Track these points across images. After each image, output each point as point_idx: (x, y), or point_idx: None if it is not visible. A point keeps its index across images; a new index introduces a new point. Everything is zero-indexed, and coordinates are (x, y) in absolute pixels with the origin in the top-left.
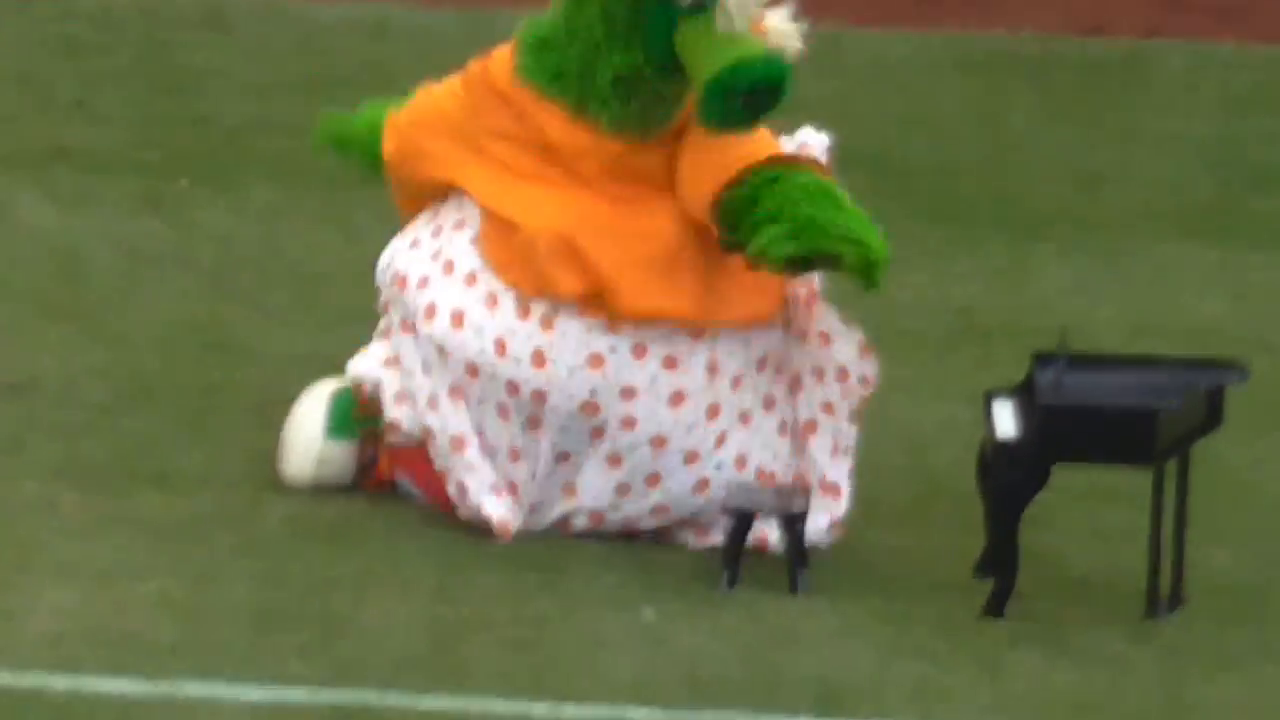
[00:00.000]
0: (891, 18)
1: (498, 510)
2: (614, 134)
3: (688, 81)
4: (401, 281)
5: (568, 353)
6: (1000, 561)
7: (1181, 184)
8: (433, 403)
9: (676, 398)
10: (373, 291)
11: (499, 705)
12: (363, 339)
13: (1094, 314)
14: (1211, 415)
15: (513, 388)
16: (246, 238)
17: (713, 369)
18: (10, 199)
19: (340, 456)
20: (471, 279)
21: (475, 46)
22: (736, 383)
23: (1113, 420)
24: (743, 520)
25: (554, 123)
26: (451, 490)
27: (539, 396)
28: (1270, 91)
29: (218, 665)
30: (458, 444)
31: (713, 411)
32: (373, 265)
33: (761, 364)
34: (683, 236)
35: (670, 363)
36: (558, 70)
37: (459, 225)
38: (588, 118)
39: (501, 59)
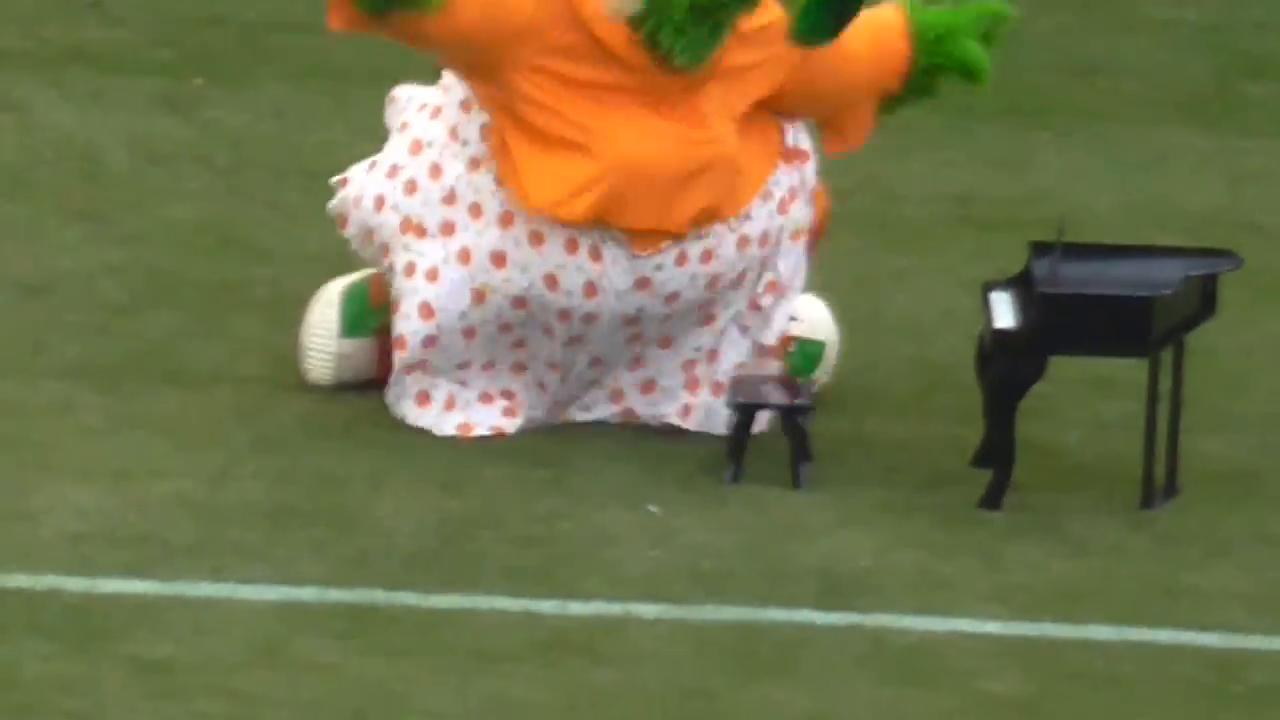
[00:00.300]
0: None
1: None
2: (682, 64)
3: (750, 11)
4: (415, 228)
5: (618, 279)
6: (998, 453)
7: (1177, 71)
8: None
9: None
10: None
11: (506, 603)
12: None
13: (1090, 202)
14: (1206, 304)
15: (564, 315)
16: (260, 136)
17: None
18: (28, 99)
19: (359, 353)
20: (507, 219)
21: None
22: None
23: (1109, 309)
24: (747, 414)
25: (622, 42)
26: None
27: (590, 319)
28: None
29: (231, 565)
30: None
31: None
32: None
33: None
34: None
35: (706, 257)
36: None
37: (474, 165)
38: (658, 46)
39: None
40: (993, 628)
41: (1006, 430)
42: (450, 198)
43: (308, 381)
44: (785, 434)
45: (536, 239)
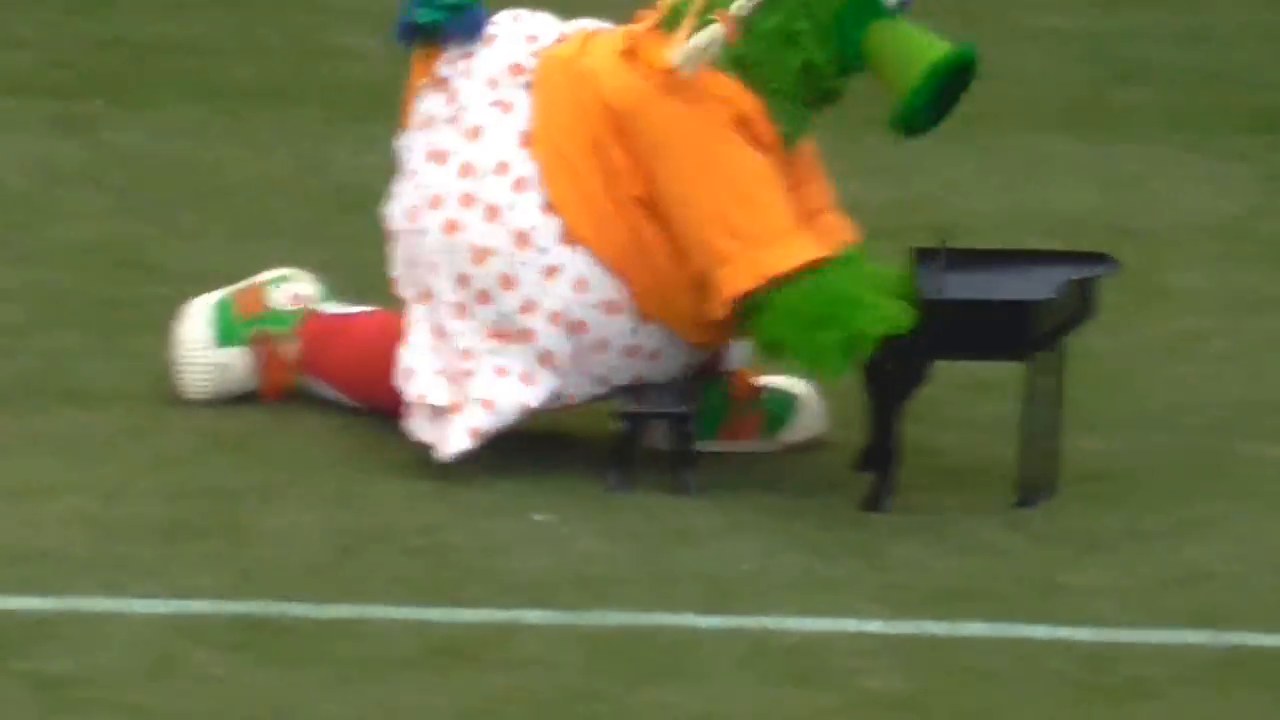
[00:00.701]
0: None
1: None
2: (782, 130)
3: (847, 83)
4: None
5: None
6: (881, 456)
7: (1052, 78)
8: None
9: None
10: (281, 204)
11: (396, 612)
12: (270, 253)
13: (970, 208)
14: (1083, 306)
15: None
16: (158, 156)
17: None
18: None
19: (235, 362)
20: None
21: None
22: None
23: (988, 314)
24: (633, 420)
25: (745, 97)
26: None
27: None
28: None
29: (127, 579)
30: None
31: None
32: (279, 181)
33: None
34: None
35: None
36: (735, 58)
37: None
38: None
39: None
40: (874, 627)
41: (889, 434)
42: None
43: (187, 397)
44: (670, 440)
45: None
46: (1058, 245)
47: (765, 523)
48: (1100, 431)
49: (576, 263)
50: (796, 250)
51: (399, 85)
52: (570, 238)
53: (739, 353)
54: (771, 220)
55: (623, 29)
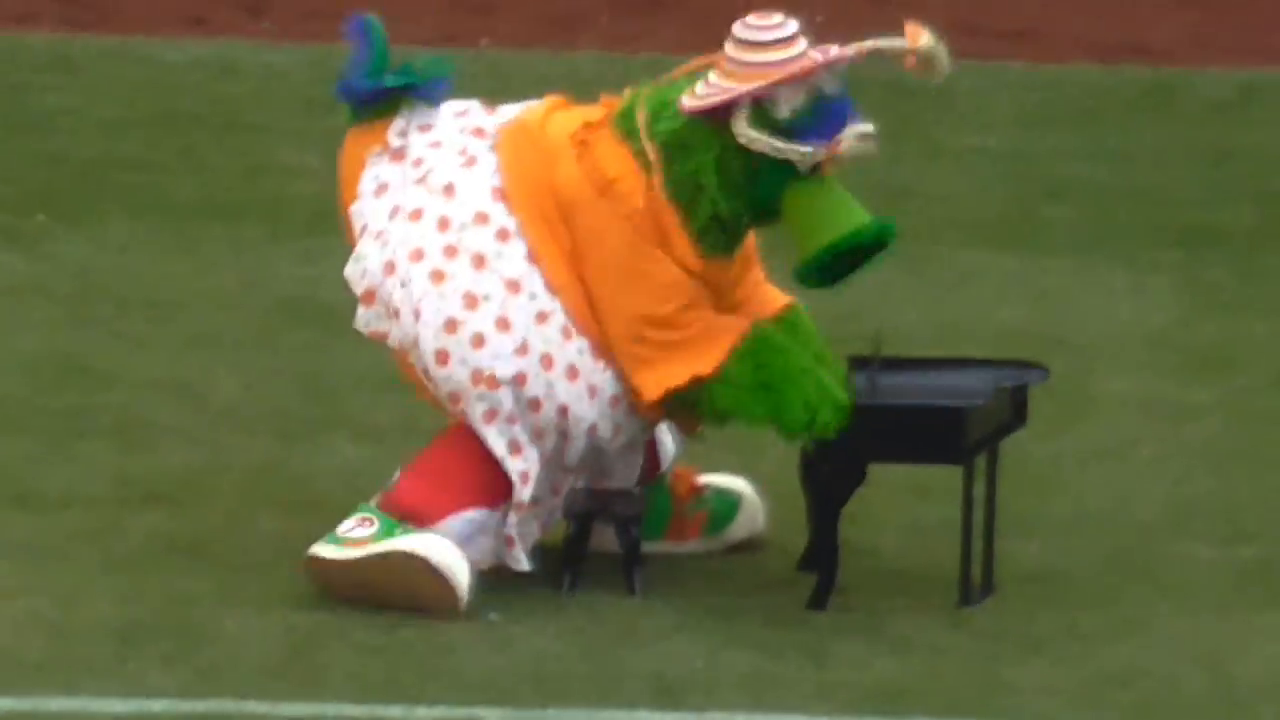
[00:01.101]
0: (706, 49)
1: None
2: (704, 252)
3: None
4: (487, 379)
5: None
6: (823, 556)
7: (980, 196)
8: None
9: None
10: (227, 316)
11: (353, 709)
12: (217, 364)
13: (904, 319)
14: (1016, 414)
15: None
16: (103, 269)
17: None
18: None
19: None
20: (573, 372)
21: (316, 82)
22: None
23: (924, 419)
24: (583, 523)
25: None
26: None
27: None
28: (1058, 108)
29: (84, 680)
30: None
31: None
32: (224, 294)
33: None
34: None
35: None
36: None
37: (542, 318)
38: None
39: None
40: None
41: (830, 535)
42: (523, 349)
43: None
44: (618, 541)
45: (614, 401)
46: (990, 355)
47: (711, 622)
48: (1036, 534)
49: (558, 311)
50: (701, 360)
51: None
52: (551, 287)
53: (676, 450)
54: (679, 333)
55: (583, 112)
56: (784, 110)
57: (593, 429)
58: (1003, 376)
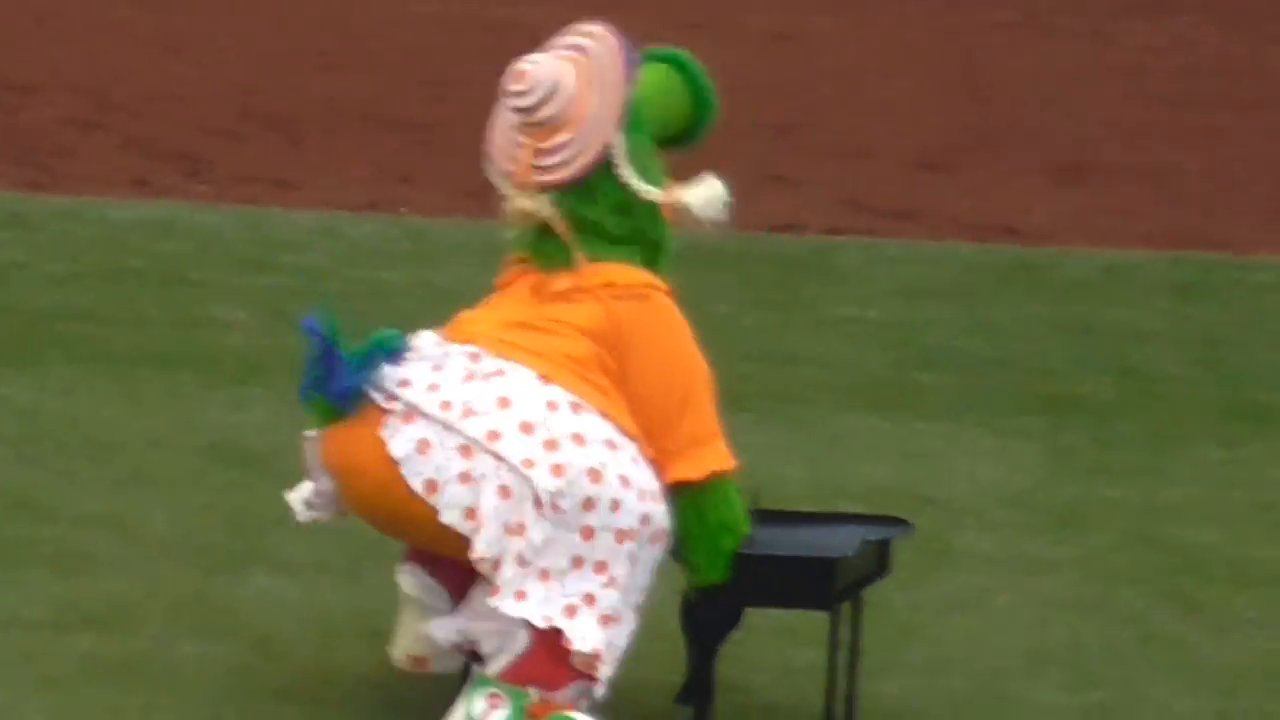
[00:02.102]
0: None
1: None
2: None
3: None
4: (589, 505)
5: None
6: (699, 692)
7: (859, 362)
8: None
9: None
10: (160, 457)
11: None
12: (151, 501)
13: (783, 475)
14: (881, 564)
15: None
16: (47, 411)
17: None
18: None
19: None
20: (612, 445)
21: (252, 243)
22: None
23: (796, 569)
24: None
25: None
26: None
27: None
28: (935, 282)
29: None
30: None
31: None
32: (159, 436)
33: None
34: None
35: None
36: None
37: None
38: None
39: None
40: None
41: (706, 672)
42: (643, 495)
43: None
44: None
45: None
46: (859, 510)
47: None
48: (897, 677)
49: (629, 445)
50: (723, 454)
51: (267, 351)
52: (624, 433)
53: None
54: (715, 419)
55: (521, 290)
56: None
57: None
58: (869, 531)
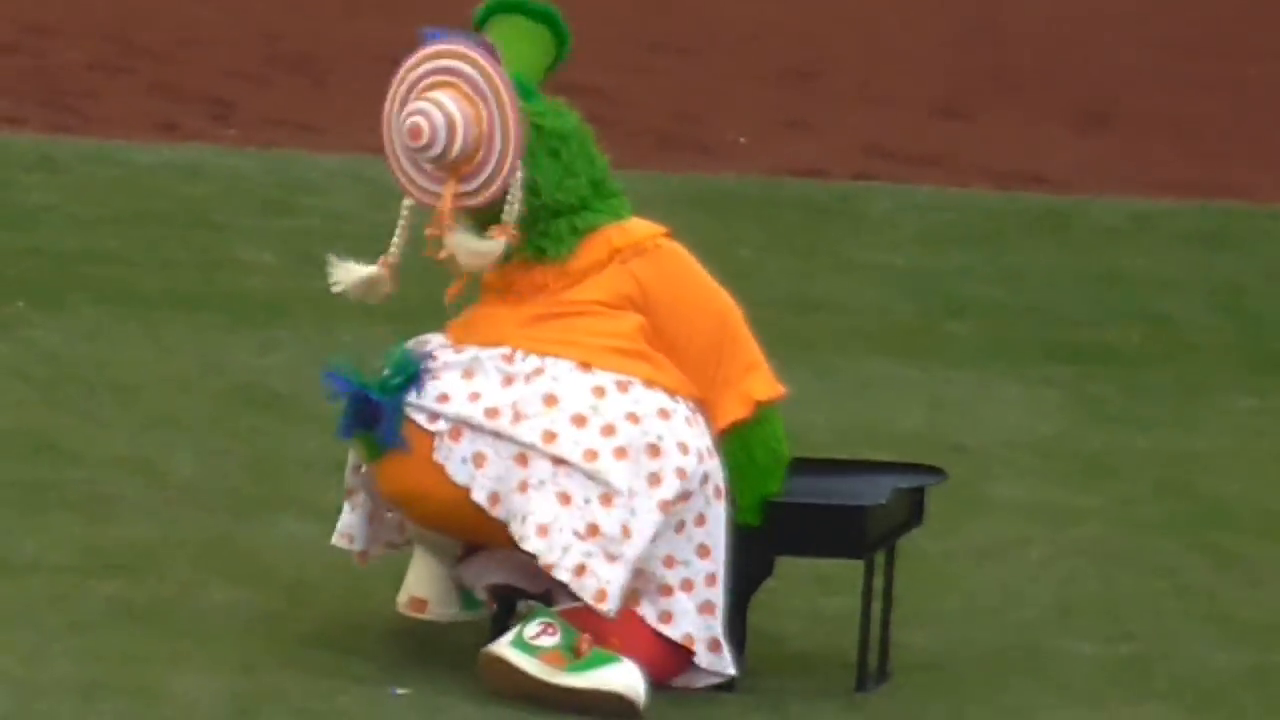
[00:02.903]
0: (638, 162)
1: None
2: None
3: None
4: (655, 480)
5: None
6: (732, 640)
7: (886, 309)
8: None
9: None
10: (186, 400)
11: None
12: (177, 444)
13: (810, 422)
14: (914, 513)
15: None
16: (74, 354)
17: None
18: None
19: None
20: (665, 414)
21: (277, 186)
22: None
23: (829, 517)
24: (505, 602)
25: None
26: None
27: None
28: (961, 229)
29: None
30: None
31: None
32: (185, 379)
33: None
34: None
35: None
36: None
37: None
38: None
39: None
40: None
41: (739, 621)
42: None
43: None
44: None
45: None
46: (890, 459)
47: None
48: (929, 626)
49: (681, 404)
50: (766, 383)
51: (292, 294)
52: (675, 395)
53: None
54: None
55: (510, 296)
56: None
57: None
58: (902, 479)
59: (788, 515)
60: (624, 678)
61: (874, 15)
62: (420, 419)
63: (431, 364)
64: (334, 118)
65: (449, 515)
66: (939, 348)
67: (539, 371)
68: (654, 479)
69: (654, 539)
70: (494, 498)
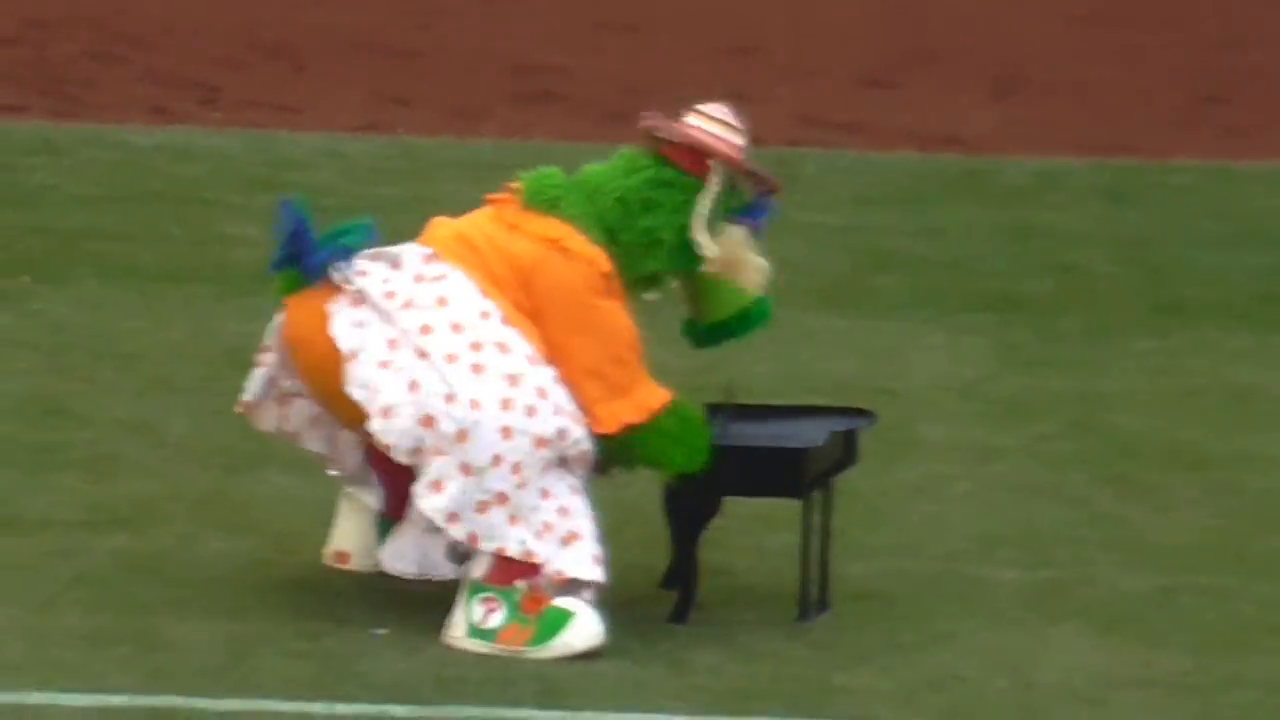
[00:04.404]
0: (589, 134)
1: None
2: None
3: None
4: (506, 405)
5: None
6: (683, 576)
7: (819, 265)
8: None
9: None
10: (180, 365)
11: (282, 705)
12: (173, 406)
13: (754, 371)
14: (848, 453)
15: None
16: (78, 324)
17: None
18: None
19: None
20: (533, 360)
21: (261, 164)
22: None
23: (770, 459)
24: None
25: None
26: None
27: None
28: (886, 190)
29: (55, 677)
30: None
31: None
32: (179, 345)
33: None
34: None
35: None
36: (606, 230)
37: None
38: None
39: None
40: None
41: (689, 558)
42: (559, 409)
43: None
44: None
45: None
46: (827, 403)
47: None
48: (865, 559)
49: (551, 371)
50: (652, 396)
51: None
52: (545, 358)
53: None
54: (629, 374)
55: (486, 212)
56: (746, 193)
57: (596, 465)
58: (837, 422)
59: (731, 457)
60: (583, 636)
61: None
62: (336, 276)
63: (371, 245)
64: (311, 98)
65: (322, 369)
66: (868, 300)
67: (443, 277)
68: (505, 404)
69: (500, 462)
70: (353, 355)
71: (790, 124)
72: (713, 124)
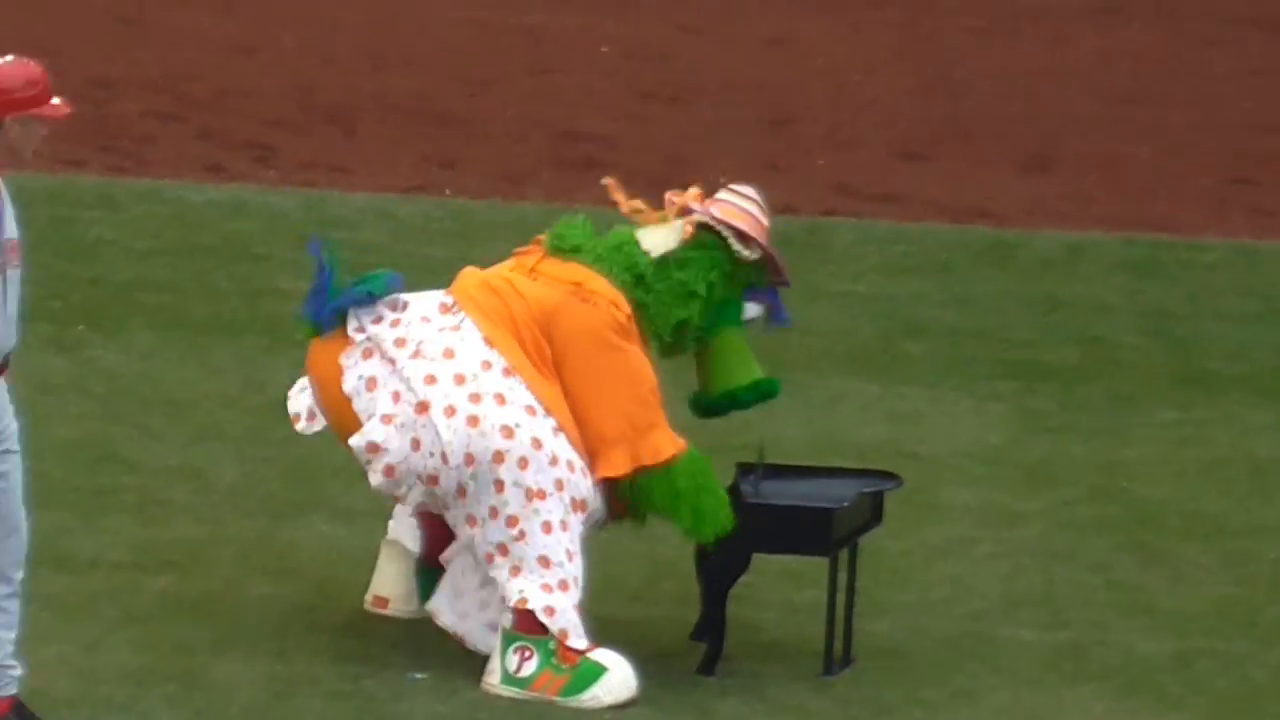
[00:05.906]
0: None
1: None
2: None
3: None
4: (499, 458)
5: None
6: (711, 630)
7: (849, 332)
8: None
9: None
10: (229, 415)
11: None
12: (221, 454)
13: (784, 433)
14: (875, 515)
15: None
16: (130, 372)
17: None
18: None
19: None
20: (531, 411)
21: (311, 222)
22: None
23: (799, 518)
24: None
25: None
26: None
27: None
28: (917, 260)
29: (103, 714)
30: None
31: None
32: (229, 395)
33: None
34: None
35: None
36: (636, 279)
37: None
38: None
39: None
40: None
41: (718, 612)
42: (554, 460)
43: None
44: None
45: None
46: (855, 465)
47: None
48: (888, 617)
49: (556, 424)
50: (668, 443)
51: None
52: (546, 408)
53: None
54: (649, 416)
55: (510, 262)
56: (762, 277)
57: (600, 519)
58: (864, 484)
59: (762, 515)
60: (615, 690)
61: (841, 68)
62: (352, 324)
63: (394, 293)
64: (362, 160)
65: (335, 410)
66: (897, 366)
67: (455, 328)
68: (498, 457)
69: (497, 515)
70: (361, 412)
71: (826, 193)
72: (748, 203)
